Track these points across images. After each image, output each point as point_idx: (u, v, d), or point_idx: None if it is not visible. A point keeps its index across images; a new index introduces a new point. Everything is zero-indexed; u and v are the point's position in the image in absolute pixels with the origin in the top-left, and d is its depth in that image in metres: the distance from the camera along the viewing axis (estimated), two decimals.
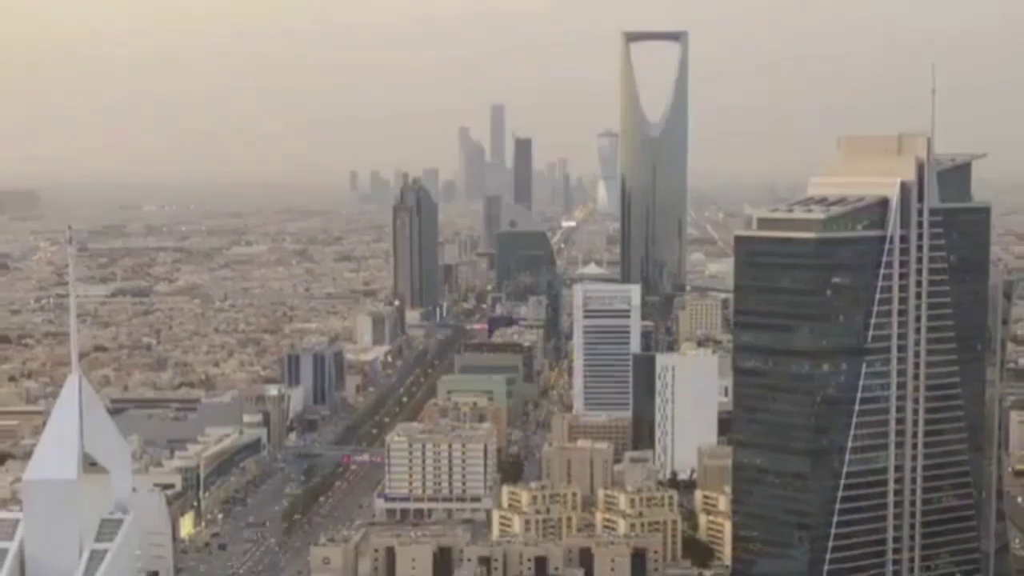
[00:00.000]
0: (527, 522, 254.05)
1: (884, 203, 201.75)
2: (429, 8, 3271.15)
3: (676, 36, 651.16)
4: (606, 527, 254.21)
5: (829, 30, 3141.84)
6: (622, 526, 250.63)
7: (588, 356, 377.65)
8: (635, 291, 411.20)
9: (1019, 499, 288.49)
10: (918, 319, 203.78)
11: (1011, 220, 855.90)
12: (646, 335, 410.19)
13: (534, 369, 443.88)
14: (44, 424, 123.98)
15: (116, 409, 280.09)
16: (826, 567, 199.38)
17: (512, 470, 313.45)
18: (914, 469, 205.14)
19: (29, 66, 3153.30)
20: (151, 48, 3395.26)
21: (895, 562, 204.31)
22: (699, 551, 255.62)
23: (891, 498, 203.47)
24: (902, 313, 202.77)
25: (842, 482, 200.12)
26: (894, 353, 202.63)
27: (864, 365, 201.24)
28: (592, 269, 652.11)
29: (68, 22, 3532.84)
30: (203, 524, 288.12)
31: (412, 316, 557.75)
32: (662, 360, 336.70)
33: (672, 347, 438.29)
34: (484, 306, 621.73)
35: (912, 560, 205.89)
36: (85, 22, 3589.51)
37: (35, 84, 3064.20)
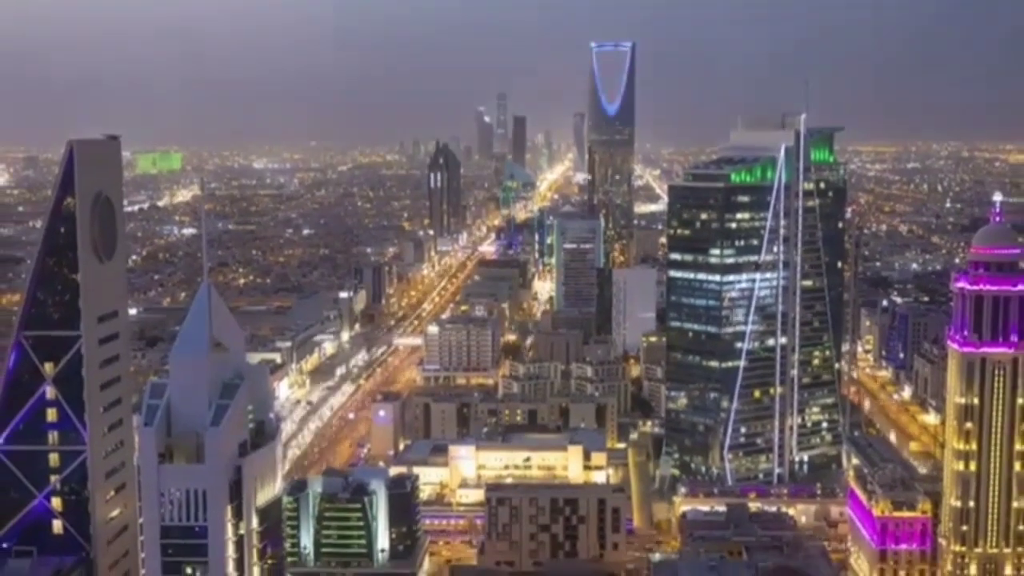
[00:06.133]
0: (523, 386, 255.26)
1: (773, 161, 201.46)
2: (455, 23, 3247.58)
3: (628, 45, 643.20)
4: (578, 389, 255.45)
5: (737, 36, 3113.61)
6: (589, 389, 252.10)
7: (565, 270, 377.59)
8: (598, 225, 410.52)
9: (867, 370, 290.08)
10: (796, 243, 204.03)
11: (859, 173, 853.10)
12: (606, 255, 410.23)
13: (528, 278, 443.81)
14: (184, 317, 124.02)
15: (234, 307, 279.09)
16: (732, 417, 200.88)
17: (512, 350, 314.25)
18: (794, 349, 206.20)
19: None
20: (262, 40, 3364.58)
21: (781, 413, 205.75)
22: (643, 406, 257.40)
23: (778, 368, 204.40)
24: (785, 239, 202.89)
25: (743, 357, 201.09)
26: (780, 267, 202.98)
27: (758, 275, 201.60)
28: (568, 209, 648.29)
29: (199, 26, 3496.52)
30: (295, 387, 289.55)
31: (442, 242, 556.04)
32: (617, 273, 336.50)
33: (624, 264, 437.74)
34: (492, 234, 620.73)
35: (792, 412, 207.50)
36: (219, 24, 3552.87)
37: (180, 66, 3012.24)
